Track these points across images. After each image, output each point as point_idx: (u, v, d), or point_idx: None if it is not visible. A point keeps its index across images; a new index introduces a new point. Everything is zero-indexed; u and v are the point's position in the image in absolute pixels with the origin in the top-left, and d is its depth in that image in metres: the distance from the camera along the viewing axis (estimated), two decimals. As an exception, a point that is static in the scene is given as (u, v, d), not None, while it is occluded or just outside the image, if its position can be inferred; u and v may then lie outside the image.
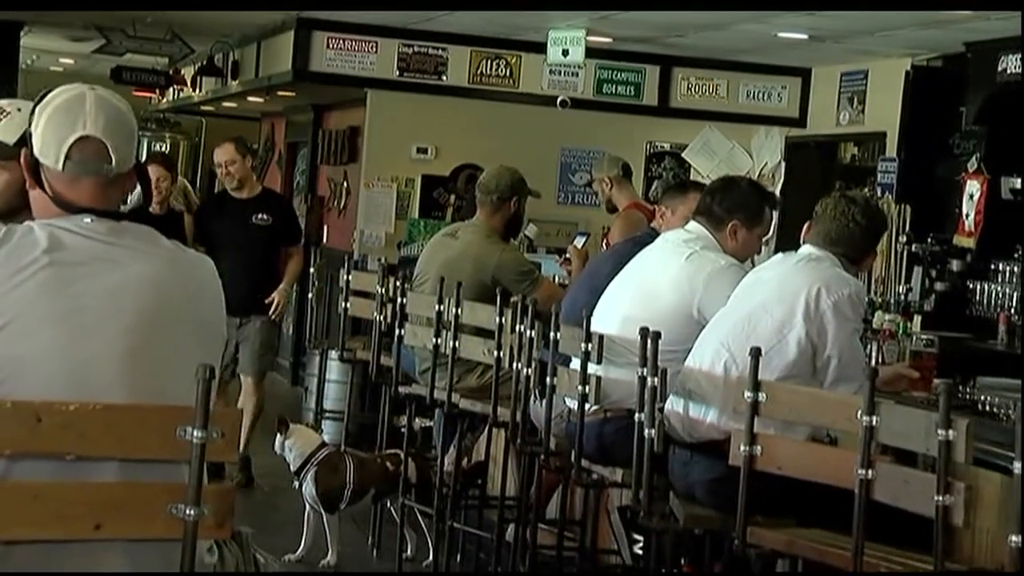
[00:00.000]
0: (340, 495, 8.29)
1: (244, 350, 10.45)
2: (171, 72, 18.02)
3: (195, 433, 3.38)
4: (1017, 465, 4.23)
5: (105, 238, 3.58)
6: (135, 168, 3.78)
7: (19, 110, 3.93)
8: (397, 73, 13.67)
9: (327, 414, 10.87)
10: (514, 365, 6.98)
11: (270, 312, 10.43)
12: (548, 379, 6.49)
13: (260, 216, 10.44)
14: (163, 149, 21.21)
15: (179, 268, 3.71)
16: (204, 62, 16.61)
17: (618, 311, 6.33)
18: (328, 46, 13.49)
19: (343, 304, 9.80)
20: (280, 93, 15.67)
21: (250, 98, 17.07)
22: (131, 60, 17.10)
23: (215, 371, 3.41)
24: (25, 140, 3.69)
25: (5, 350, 3.35)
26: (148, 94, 19.06)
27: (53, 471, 3.41)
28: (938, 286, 11.45)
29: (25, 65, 16.55)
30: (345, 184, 15.11)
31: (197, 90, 17.75)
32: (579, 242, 11.17)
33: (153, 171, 9.50)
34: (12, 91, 15.06)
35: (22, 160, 3.68)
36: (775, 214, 6.84)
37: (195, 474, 3.40)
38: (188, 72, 17.77)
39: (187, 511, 3.40)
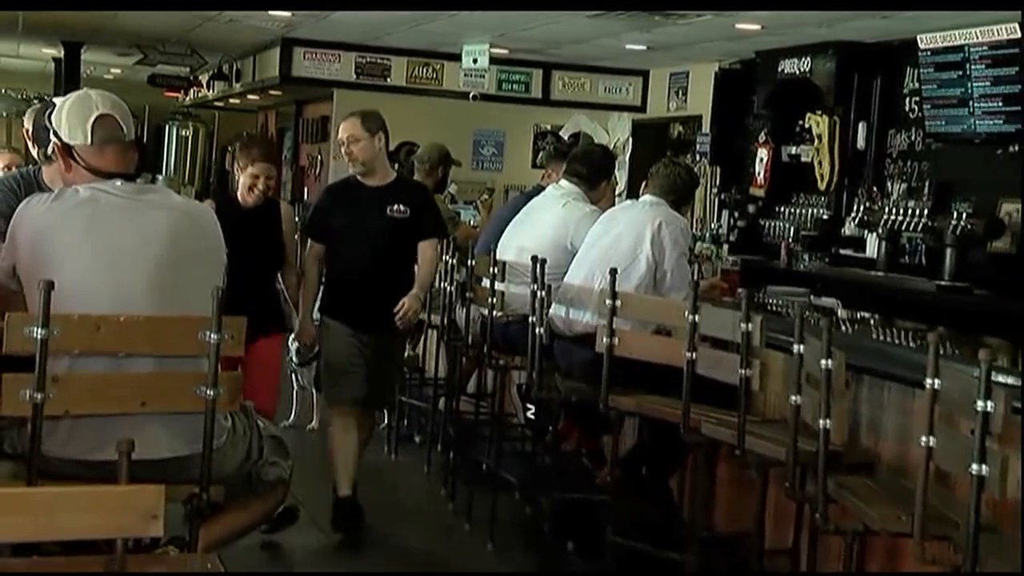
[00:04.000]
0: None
1: (370, 375, 6.05)
2: (191, 78, 17.90)
3: (211, 336, 3.38)
4: (795, 347, 4.26)
5: (131, 195, 3.55)
6: (136, 142, 3.72)
7: None
8: (355, 77, 13.61)
9: (313, 321, 10.78)
10: (442, 284, 6.97)
11: (396, 319, 5.95)
12: (467, 294, 6.50)
13: (397, 207, 6.01)
14: (187, 135, 20.96)
15: (188, 215, 3.69)
16: (215, 70, 16.48)
17: (515, 244, 6.31)
18: (305, 58, 13.45)
19: (319, 243, 9.78)
20: (271, 92, 15.54)
21: (249, 96, 16.94)
22: (162, 69, 16.92)
23: (222, 290, 3.44)
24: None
25: (67, 281, 3.30)
26: (175, 94, 18.87)
27: (108, 365, 3.42)
28: (739, 223, 11.55)
29: (85, 75, 16.29)
30: (319, 157, 15.09)
31: (210, 91, 17.59)
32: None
33: (259, 169, 5.90)
34: (77, 93, 14.85)
35: (56, 150, 3.62)
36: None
37: (212, 364, 3.39)
38: (203, 78, 17.58)
39: (207, 391, 3.40)
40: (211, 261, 3.67)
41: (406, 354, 8.13)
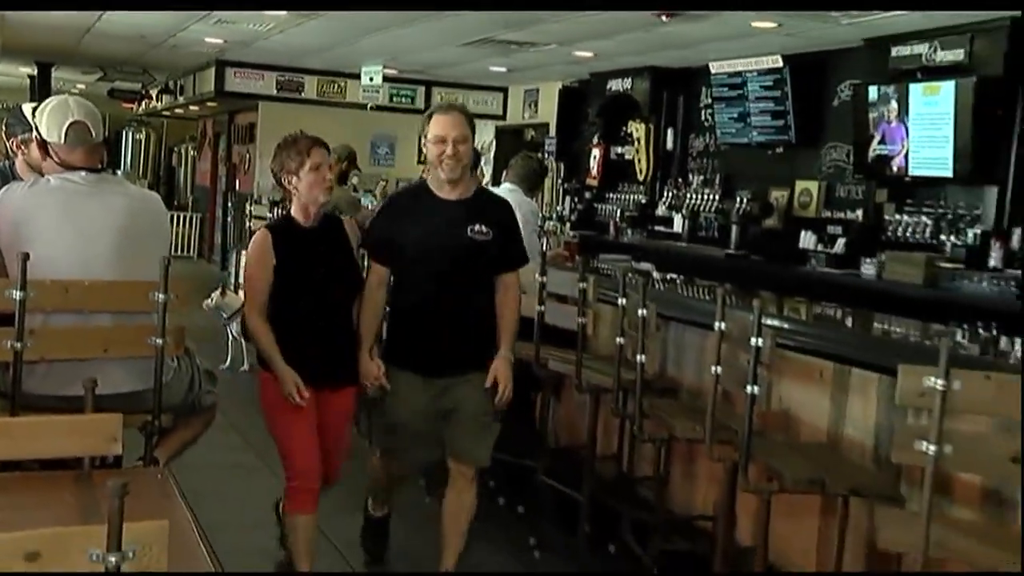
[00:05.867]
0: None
1: (456, 425, 3.88)
2: (143, 92, 17.37)
3: (160, 296, 3.31)
4: (619, 300, 4.32)
5: (94, 184, 3.45)
6: (103, 142, 3.60)
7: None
8: (276, 91, 13.34)
9: (241, 287, 10.59)
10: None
11: (497, 398, 3.80)
12: (367, 260, 6.41)
13: (479, 227, 3.81)
14: (140, 138, 20.39)
15: (142, 200, 3.60)
16: (163, 86, 16.02)
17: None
18: (235, 76, 13.12)
19: (248, 223, 9.62)
20: (208, 104, 15.09)
21: (190, 107, 16.41)
22: (119, 85, 16.43)
23: (169, 259, 3.34)
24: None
25: (41, 253, 3.22)
26: (130, 105, 18.31)
27: (75, 319, 3.33)
28: (578, 206, 11.64)
29: (55, 89, 15.69)
30: (248, 155, 14.77)
31: (159, 102, 17.10)
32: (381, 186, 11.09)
33: (319, 156, 3.89)
34: (48, 104, 14.33)
35: (35, 142, 3.52)
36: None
37: (161, 318, 3.32)
38: (153, 92, 17.07)
39: (157, 340, 3.33)
40: (160, 237, 3.59)
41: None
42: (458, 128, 3.75)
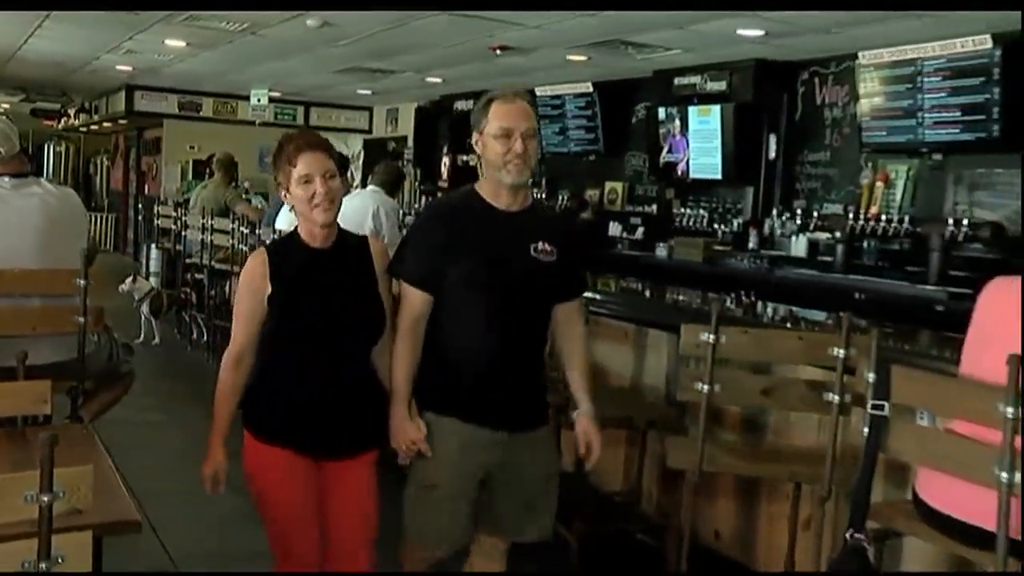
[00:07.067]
0: (160, 309, 7.86)
1: (507, 493, 2.40)
2: (63, 111, 16.39)
3: (80, 282, 3.18)
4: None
5: (15, 187, 3.27)
6: (22, 151, 3.37)
7: None
8: (178, 111, 12.79)
9: (151, 274, 10.17)
10: (238, 246, 6.72)
11: (588, 465, 2.52)
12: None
13: (542, 245, 2.28)
14: (60, 151, 19.22)
15: (60, 198, 3.41)
16: (80, 105, 15.17)
17: (287, 220, 6.14)
18: (143, 98, 12.53)
19: (156, 221, 9.27)
20: (119, 121, 14.33)
21: (104, 124, 15.52)
22: (41, 104, 15.42)
23: (88, 250, 3.21)
24: None
25: None
26: (51, 122, 17.22)
27: (8, 302, 3.17)
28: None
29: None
30: (155, 164, 14.15)
31: (76, 120, 16.17)
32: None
33: (307, 163, 2.41)
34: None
35: None
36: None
37: (82, 300, 3.19)
38: (72, 110, 16.12)
39: (79, 319, 3.21)
40: (79, 229, 3.43)
41: (214, 295, 7.83)
42: (527, 119, 2.48)
